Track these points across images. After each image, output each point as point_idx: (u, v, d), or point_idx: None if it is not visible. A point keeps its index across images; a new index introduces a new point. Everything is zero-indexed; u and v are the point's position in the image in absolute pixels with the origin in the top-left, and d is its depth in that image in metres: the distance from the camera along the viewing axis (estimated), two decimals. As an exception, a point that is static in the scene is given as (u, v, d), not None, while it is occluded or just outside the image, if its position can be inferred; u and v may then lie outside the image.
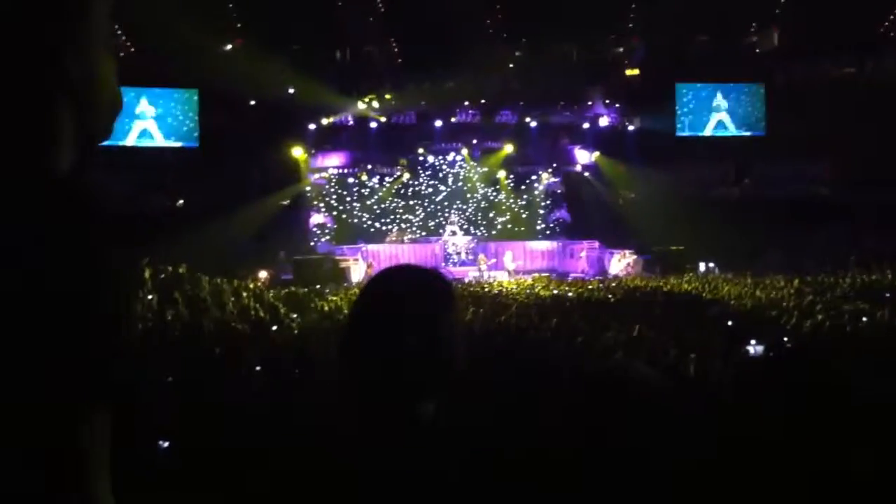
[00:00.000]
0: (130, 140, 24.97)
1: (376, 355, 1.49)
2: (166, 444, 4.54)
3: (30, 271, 0.93)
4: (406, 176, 27.89)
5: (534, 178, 28.69)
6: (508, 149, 27.85)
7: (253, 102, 24.90)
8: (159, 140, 25.51)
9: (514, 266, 25.20)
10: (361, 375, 1.52)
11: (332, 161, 28.00)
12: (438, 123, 27.58)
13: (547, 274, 24.36)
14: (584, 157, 28.70)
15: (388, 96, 26.69)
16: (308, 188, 27.55)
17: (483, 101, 27.75)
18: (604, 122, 28.19)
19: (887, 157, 22.07)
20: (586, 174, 28.67)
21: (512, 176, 28.44)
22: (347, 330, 1.57)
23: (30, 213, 0.96)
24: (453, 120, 27.81)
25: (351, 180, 27.95)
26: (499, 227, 28.18)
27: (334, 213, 27.76)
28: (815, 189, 25.83)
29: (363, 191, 27.87)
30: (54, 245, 0.95)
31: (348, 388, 1.55)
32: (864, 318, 10.93)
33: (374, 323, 1.53)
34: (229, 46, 25.06)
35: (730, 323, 10.25)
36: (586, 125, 28.19)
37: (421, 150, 27.78)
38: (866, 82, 24.94)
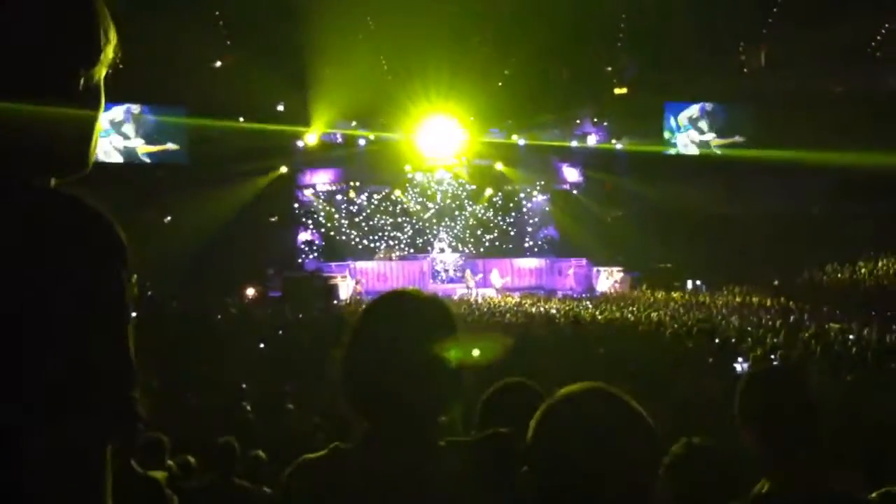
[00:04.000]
0: (118, 157, 24.87)
1: (385, 381, 1.48)
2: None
3: (30, 278, 0.93)
4: (397, 193, 27.94)
5: (522, 195, 28.75)
6: (497, 166, 27.92)
7: (241, 119, 24.87)
8: (147, 157, 25.42)
9: (502, 283, 25.20)
10: (370, 402, 1.51)
11: (321, 178, 27.98)
12: (427, 141, 27.58)
13: (535, 292, 24.42)
14: (572, 174, 28.78)
15: (377, 113, 26.68)
16: (296, 205, 27.53)
17: (472, 118, 27.81)
18: (592, 140, 28.29)
19: (877, 173, 22.24)
20: (574, 192, 28.75)
21: (500, 193, 28.48)
22: (349, 357, 1.55)
23: (29, 221, 0.97)
24: (442, 138, 27.80)
25: (339, 197, 27.93)
26: (487, 244, 28.19)
27: (322, 230, 27.72)
28: (804, 206, 25.96)
29: (351, 208, 27.86)
30: (53, 254, 0.95)
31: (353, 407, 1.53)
32: (852, 337, 11.00)
33: (379, 353, 1.51)
34: (218, 63, 25.05)
35: (717, 340, 10.28)
36: (575, 143, 28.28)
37: (409, 168, 27.78)
38: (855, 99, 25.11)
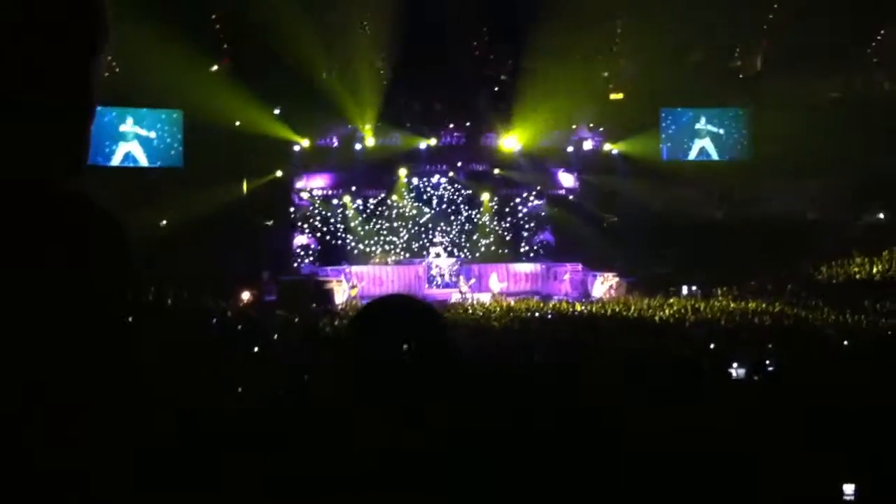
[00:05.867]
0: (115, 161, 24.87)
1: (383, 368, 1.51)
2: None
3: (43, 271, 0.93)
4: (393, 197, 27.97)
5: (518, 200, 28.75)
6: (493, 171, 27.96)
7: (238, 123, 24.86)
8: (143, 161, 25.42)
9: (500, 288, 25.22)
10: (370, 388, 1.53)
11: (317, 182, 27.96)
12: (423, 145, 27.61)
13: (530, 296, 24.40)
14: (568, 179, 28.80)
15: (373, 118, 26.70)
16: (292, 209, 27.51)
17: (468, 123, 27.84)
18: (588, 145, 28.31)
19: (874, 178, 22.34)
20: (570, 197, 28.76)
21: (496, 198, 28.47)
22: (350, 349, 1.57)
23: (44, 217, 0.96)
24: (438, 142, 27.83)
25: (335, 202, 27.90)
26: (483, 249, 28.18)
27: (318, 234, 27.70)
28: (801, 211, 26.02)
29: (347, 212, 27.83)
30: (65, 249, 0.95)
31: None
32: (846, 343, 11.02)
33: (377, 342, 1.55)
34: (215, 67, 25.05)
35: (712, 346, 10.28)
36: (570, 148, 28.30)
37: (405, 172, 27.77)
38: (851, 105, 25.19)
